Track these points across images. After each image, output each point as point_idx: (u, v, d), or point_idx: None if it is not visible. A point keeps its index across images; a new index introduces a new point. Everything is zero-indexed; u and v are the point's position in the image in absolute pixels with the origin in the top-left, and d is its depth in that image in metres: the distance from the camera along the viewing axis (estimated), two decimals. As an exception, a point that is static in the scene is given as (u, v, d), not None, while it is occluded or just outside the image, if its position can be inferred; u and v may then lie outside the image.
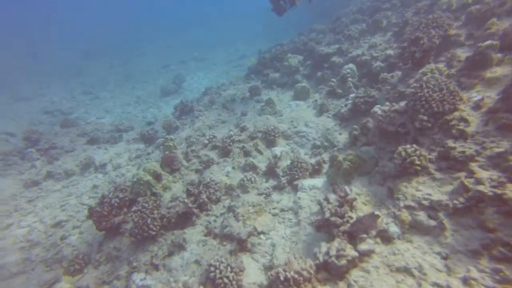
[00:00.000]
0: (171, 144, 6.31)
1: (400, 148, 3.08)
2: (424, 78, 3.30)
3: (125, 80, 17.35)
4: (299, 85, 7.40)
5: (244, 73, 13.29)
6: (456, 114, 2.99)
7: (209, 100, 8.96)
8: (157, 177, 4.76)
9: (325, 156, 4.92)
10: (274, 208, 3.99)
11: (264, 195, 4.16)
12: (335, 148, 4.91)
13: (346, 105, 5.60)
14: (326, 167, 4.62)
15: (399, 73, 5.24)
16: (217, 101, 8.84)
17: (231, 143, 5.16)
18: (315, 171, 4.55)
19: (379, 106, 3.91)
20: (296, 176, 4.36)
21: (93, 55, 22.98)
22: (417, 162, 2.88)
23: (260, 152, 5.09)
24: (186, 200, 3.96)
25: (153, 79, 17.05)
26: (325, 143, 5.15)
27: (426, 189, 2.77)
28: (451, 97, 3.01)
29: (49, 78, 19.05)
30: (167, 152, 5.43)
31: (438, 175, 2.82)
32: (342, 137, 5.08)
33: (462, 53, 4.34)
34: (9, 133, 9.77)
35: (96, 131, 9.16)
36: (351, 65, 6.51)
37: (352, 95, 5.92)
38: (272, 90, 8.87)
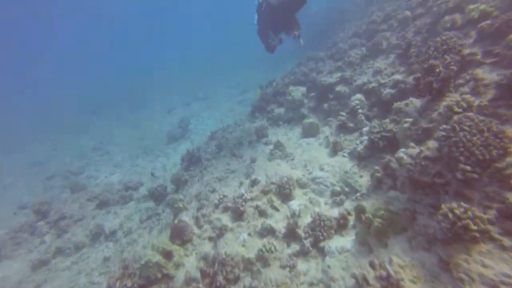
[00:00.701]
0: (180, 205, 5.88)
1: (445, 208, 2.53)
2: (456, 118, 2.81)
3: (132, 131, 17.44)
4: (307, 121, 6.99)
5: (249, 110, 13.10)
6: (510, 159, 2.45)
7: (216, 145, 8.63)
8: (168, 255, 4.27)
9: (348, 204, 4.37)
10: (301, 283, 3.40)
11: (288, 268, 3.58)
12: (358, 194, 4.36)
13: (361, 142, 5.10)
14: (351, 219, 4.06)
15: (415, 100, 4.77)
16: (224, 146, 8.49)
17: (243, 203, 4.68)
18: (341, 226, 3.98)
19: (404, 150, 3.40)
20: (321, 237, 3.80)
21: (100, 109, 23.53)
22: (474, 228, 2.31)
23: (276, 209, 4.57)
24: (201, 286, 3.43)
25: (159, 126, 17.07)
26: (346, 188, 4.60)
27: (496, 264, 2.17)
28: (497, 139, 2.49)
29: (60, 137, 19.41)
30: (176, 222, 4.97)
31: (506, 241, 2.23)
32: (363, 180, 4.53)
33: (485, 74, 3.86)
34: (20, 206, 9.58)
35: (105, 193, 8.87)
36: (358, 96, 6.09)
37: (366, 129, 5.44)
38: (278, 127, 8.49)
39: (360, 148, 4.94)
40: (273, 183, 5.02)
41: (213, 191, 6.12)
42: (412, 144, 3.35)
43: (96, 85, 34.24)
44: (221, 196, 5.14)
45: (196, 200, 6.14)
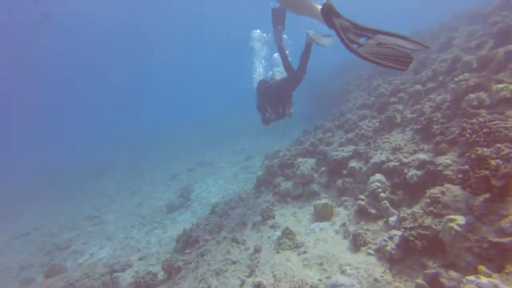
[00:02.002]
0: (166, 311, 4.68)
1: None
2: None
3: (131, 197, 16.55)
4: (319, 203, 6.11)
5: (253, 179, 12.33)
6: None
7: (216, 224, 7.62)
8: None
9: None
10: None
11: None
12: (397, 317, 3.25)
13: (390, 238, 4.13)
14: None
15: (453, 188, 3.95)
16: (225, 225, 7.49)
17: (244, 325, 3.55)
18: None
19: (473, 280, 2.43)
20: None
21: (102, 173, 23.04)
22: None
23: (288, 335, 3.41)
24: None
25: (160, 193, 16.21)
26: (379, 305, 3.49)
27: None
28: None
29: (55, 203, 18.51)
30: None
31: None
32: (401, 295, 3.45)
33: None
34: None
35: (85, 279, 7.58)
36: (378, 176, 5.31)
37: (393, 219, 4.52)
38: (286, 204, 7.58)
39: (390, 246, 3.95)
40: (282, 291, 3.92)
41: (208, 290, 4.95)
42: (483, 268, 2.41)
43: (97, 149, 34.54)
44: (216, 308, 4.00)
45: (186, 302, 4.94)
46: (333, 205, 6.15)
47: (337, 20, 2.36)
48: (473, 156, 2.93)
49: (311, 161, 8.74)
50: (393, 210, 4.68)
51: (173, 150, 26.60)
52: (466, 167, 2.99)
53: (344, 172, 6.85)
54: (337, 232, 5.29)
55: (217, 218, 8.11)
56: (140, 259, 9.34)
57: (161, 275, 6.74)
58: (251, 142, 22.44)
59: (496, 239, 2.57)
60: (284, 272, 4.48)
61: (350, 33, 2.36)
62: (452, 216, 3.31)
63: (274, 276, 4.49)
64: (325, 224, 5.78)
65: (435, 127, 5.28)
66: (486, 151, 2.90)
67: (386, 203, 4.79)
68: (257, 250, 5.49)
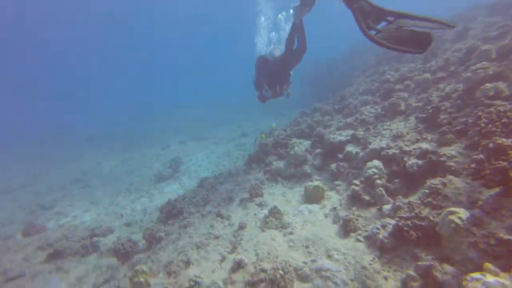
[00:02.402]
0: (141, 279, 4.44)
1: None
2: None
3: (121, 164, 16.20)
4: (311, 185, 5.82)
5: (246, 157, 12.02)
6: None
7: (202, 198, 7.35)
8: None
9: (368, 321, 3.01)
10: None
11: None
12: (383, 308, 3.03)
13: (383, 226, 3.87)
14: None
15: (455, 180, 3.66)
16: (212, 199, 7.22)
17: (219, 303, 3.30)
18: None
19: (478, 277, 2.15)
20: None
21: (96, 140, 22.50)
22: None
23: (266, 317, 3.18)
24: None
25: (150, 163, 15.87)
26: (364, 294, 3.27)
27: None
28: None
29: (47, 163, 18.08)
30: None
31: None
32: (388, 285, 3.21)
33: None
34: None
35: (64, 240, 7.33)
36: (376, 163, 5.00)
37: (388, 207, 4.25)
38: (276, 184, 7.31)
39: (382, 234, 3.69)
40: (263, 271, 3.67)
41: (187, 263, 4.70)
42: (490, 266, 2.13)
43: (95, 117, 33.72)
44: (192, 283, 3.73)
45: (164, 272, 4.70)
46: (324, 188, 5.87)
47: (358, 2, 2.20)
48: (491, 145, 2.60)
49: (307, 143, 8.40)
50: (388, 198, 4.40)
51: (169, 124, 26.02)
52: (481, 156, 2.66)
53: (340, 156, 6.54)
54: (326, 215, 5.04)
55: (204, 192, 7.84)
56: (123, 225, 9.13)
57: (142, 243, 6.51)
58: (247, 121, 21.99)
59: (507, 236, 2.28)
60: (267, 252, 4.23)
61: (369, 18, 2.23)
62: (453, 209, 3.02)
63: (257, 254, 4.24)
64: (314, 207, 5.52)
65: (442, 116, 4.93)
66: (506, 141, 2.56)
67: (381, 190, 4.51)
68: (241, 227, 5.23)
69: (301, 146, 8.19)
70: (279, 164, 8.02)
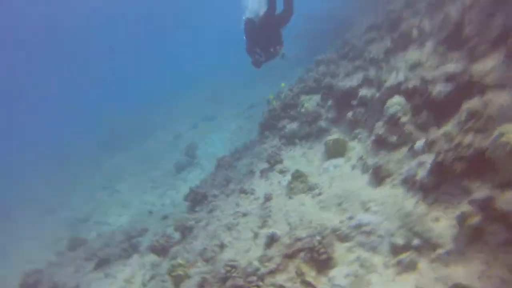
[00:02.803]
0: (180, 272, 4.35)
1: None
2: None
3: (140, 164, 16.30)
4: (330, 138, 5.38)
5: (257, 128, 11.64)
6: None
7: (223, 178, 7.14)
8: None
9: (425, 268, 2.71)
10: None
11: None
12: (440, 252, 2.69)
13: (420, 164, 3.43)
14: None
15: (495, 98, 3.11)
16: (232, 178, 6.99)
17: (260, 282, 3.09)
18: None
19: None
20: None
21: (107, 142, 22.72)
22: None
23: (313, 287, 2.94)
24: None
25: (167, 154, 15.86)
26: (414, 240, 2.93)
27: None
28: None
29: (70, 178, 18.58)
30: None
31: None
32: (441, 226, 2.85)
33: None
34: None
35: (105, 248, 7.49)
36: (397, 99, 4.45)
37: (420, 144, 3.77)
38: (295, 147, 6.93)
39: (422, 174, 3.27)
40: (299, 240, 3.40)
41: (221, 246, 4.56)
42: None
43: (100, 119, 33.78)
44: (229, 267, 3.55)
45: (201, 260, 4.60)
46: (345, 139, 5.42)
47: None
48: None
49: (316, 97, 7.83)
50: (419, 135, 3.91)
51: (175, 111, 25.70)
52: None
53: (354, 102, 5.99)
54: (353, 167, 4.65)
55: (224, 172, 7.63)
56: (157, 221, 9.24)
57: (176, 235, 6.48)
58: (252, 92, 21.26)
59: None
60: (299, 219, 3.95)
61: None
62: (505, 128, 2.52)
63: (289, 224, 3.98)
64: (339, 161, 5.13)
65: (467, 28, 4.20)
66: None
67: (409, 127, 4.01)
68: (267, 199, 4.97)
69: (311, 102, 7.65)
70: (293, 126, 7.58)
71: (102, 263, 7.11)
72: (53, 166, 22.64)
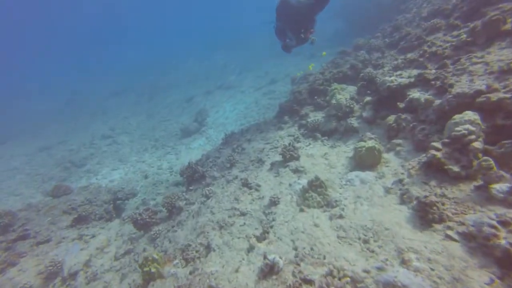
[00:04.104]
0: (152, 270, 3.56)
1: None
2: None
3: (146, 119, 15.52)
4: (363, 145, 4.30)
5: (276, 105, 10.59)
6: None
7: (228, 158, 6.20)
8: None
9: None
10: None
11: None
12: None
13: (504, 223, 2.39)
14: None
15: None
16: (238, 161, 6.06)
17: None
18: None
19: None
20: None
21: (121, 93, 21.89)
22: None
23: None
24: None
25: (176, 116, 14.98)
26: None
27: None
28: None
29: (76, 122, 18.04)
30: None
31: None
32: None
33: None
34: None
35: (87, 205, 6.83)
36: (471, 115, 3.29)
37: (502, 188, 2.69)
38: (315, 141, 5.88)
39: (506, 239, 2.24)
40: (307, 282, 2.49)
41: (207, 248, 3.73)
42: None
43: (119, 71, 32.83)
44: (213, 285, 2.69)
45: (181, 258, 3.80)
46: (381, 149, 4.34)
47: None
48: None
49: (351, 88, 6.65)
50: (501, 172, 2.81)
51: (192, 73, 24.38)
52: None
53: (401, 105, 4.82)
54: (387, 190, 3.61)
55: (230, 151, 6.68)
56: (149, 185, 8.55)
57: (163, 212, 5.72)
58: (275, 66, 19.71)
59: None
60: (309, 245, 3.02)
61: None
62: None
63: (296, 249, 3.06)
64: (368, 175, 4.09)
65: None
66: None
67: (488, 160, 2.89)
68: (273, 202, 4.04)
69: (344, 93, 6.48)
70: (317, 117, 6.50)
71: (81, 220, 6.49)
72: (63, 108, 22.23)
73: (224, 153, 6.89)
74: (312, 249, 2.96)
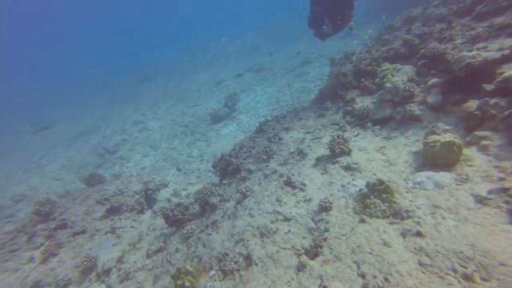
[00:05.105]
0: (187, 283, 3.11)
1: None
2: None
3: (176, 104, 15.27)
4: (437, 140, 3.43)
5: (310, 87, 9.72)
6: None
7: (263, 150, 5.58)
8: None
9: None
10: None
11: None
12: None
13: None
14: None
15: None
16: (276, 152, 5.41)
17: None
18: None
19: None
20: None
21: (149, 78, 21.88)
22: None
23: None
24: None
25: (205, 101, 14.54)
26: None
27: None
28: None
29: (108, 109, 18.37)
30: None
31: None
32: None
33: None
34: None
35: (120, 195, 6.67)
36: None
37: None
38: (364, 131, 5.06)
39: None
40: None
41: (248, 259, 3.20)
42: None
43: (148, 55, 32.96)
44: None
45: (217, 268, 3.33)
46: (461, 144, 3.44)
47: None
48: None
49: (407, 68, 5.61)
50: None
51: (220, 56, 23.67)
52: None
53: (488, 87, 3.81)
54: (481, 200, 2.79)
55: (265, 141, 6.05)
56: (180, 175, 8.26)
57: (195, 208, 5.30)
58: (308, 46, 18.42)
59: None
60: (382, 274, 2.34)
61: None
62: None
63: (363, 276, 2.41)
64: (445, 177, 3.26)
65: None
66: None
67: None
68: (324, 208, 3.37)
69: (399, 74, 5.48)
70: (365, 102, 5.62)
71: (113, 210, 6.34)
72: (95, 94, 22.86)
73: (259, 142, 6.27)
74: (386, 279, 2.29)
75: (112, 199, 6.60)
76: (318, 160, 4.43)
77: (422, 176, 3.41)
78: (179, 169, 8.06)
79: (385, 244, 2.64)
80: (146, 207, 6.59)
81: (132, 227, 5.81)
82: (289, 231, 3.36)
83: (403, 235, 2.69)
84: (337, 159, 4.20)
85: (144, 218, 6.08)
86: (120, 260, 4.93)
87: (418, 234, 2.62)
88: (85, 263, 4.90)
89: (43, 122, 19.16)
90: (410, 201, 3.07)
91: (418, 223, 2.73)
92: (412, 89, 4.87)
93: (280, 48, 19.38)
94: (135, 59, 35.47)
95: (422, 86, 4.92)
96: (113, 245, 5.24)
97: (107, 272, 4.77)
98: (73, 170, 11.23)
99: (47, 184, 10.85)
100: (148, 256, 4.90)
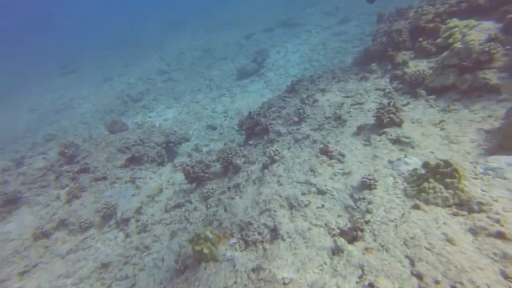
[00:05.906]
0: (206, 250, 2.80)
1: None
2: None
3: (202, 56, 14.44)
4: (532, 118, 2.66)
5: (349, 47, 8.74)
6: None
7: (296, 111, 4.96)
8: None
9: None
10: None
11: None
12: None
13: None
14: None
15: None
16: (309, 115, 4.79)
17: None
18: None
19: None
20: None
21: (177, 26, 20.70)
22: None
23: None
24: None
25: (233, 55, 13.60)
26: None
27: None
28: None
29: (134, 54, 17.84)
30: None
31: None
32: None
33: None
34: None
35: (141, 146, 6.44)
36: None
37: None
38: (416, 101, 4.29)
39: None
40: None
41: (274, 231, 2.82)
42: None
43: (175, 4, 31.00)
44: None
45: (238, 236, 3.00)
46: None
47: None
48: None
49: (487, 24, 4.55)
50: None
51: (252, 7, 21.72)
52: None
53: None
54: None
55: (298, 102, 5.39)
56: (202, 129, 7.89)
57: (217, 167, 4.94)
58: (349, 1, 16.34)
59: None
60: (448, 280, 1.85)
61: None
62: None
63: (419, 277, 1.93)
64: (527, 165, 2.56)
65: None
66: None
67: None
68: (366, 185, 2.83)
69: (473, 32, 4.44)
70: (420, 66, 4.71)
71: (134, 160, 6.16)
72: (122, 42, 22.18)
73: (291, 103, 5.62)
74: (454, 286, 1.79)
75: (133, 149, 6.40)
76: (360, 129, 3.78)
77: (501, 161, 2.73)
78: (213, 127, 7.58)
79: (449, 240, 2.10)
80: (166, 159, 6.37)
81: (151, 178, 5.63)
82: (323, 206, 2.90)
83: (474, 232, 2.13)
84: (385, 129, 3.54)
85: (164, 171, 5.87)
86: (138, 211, 4.80)
87: (500, 235, 2.04)
88: (105, 210, 4.81)
89: (70, 66, 19.18)
90: (483, 190, 2.45)
91: (498, 221, 2.14)
92: (493, 51, 3.89)
93: (315, 1, 17.35)
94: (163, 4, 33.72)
95: (508, 47, 3.93)
96: (132, 195, 5.09)
97: (125, 221, 4.67)
98: (98, 116, 11.23)
99: (76, 126, 10.98)
100: (166, 211, 4.73)
